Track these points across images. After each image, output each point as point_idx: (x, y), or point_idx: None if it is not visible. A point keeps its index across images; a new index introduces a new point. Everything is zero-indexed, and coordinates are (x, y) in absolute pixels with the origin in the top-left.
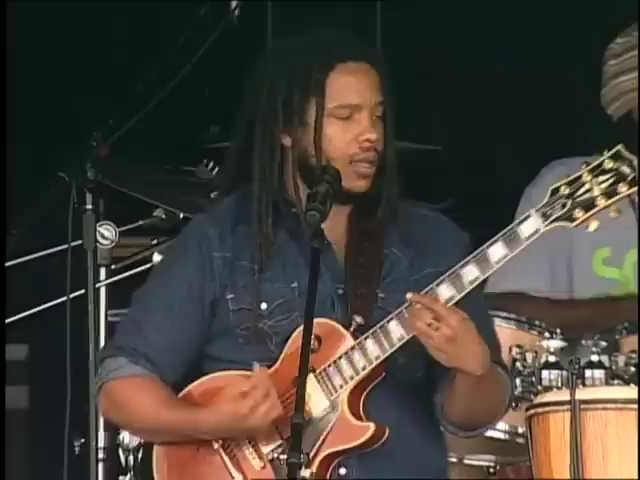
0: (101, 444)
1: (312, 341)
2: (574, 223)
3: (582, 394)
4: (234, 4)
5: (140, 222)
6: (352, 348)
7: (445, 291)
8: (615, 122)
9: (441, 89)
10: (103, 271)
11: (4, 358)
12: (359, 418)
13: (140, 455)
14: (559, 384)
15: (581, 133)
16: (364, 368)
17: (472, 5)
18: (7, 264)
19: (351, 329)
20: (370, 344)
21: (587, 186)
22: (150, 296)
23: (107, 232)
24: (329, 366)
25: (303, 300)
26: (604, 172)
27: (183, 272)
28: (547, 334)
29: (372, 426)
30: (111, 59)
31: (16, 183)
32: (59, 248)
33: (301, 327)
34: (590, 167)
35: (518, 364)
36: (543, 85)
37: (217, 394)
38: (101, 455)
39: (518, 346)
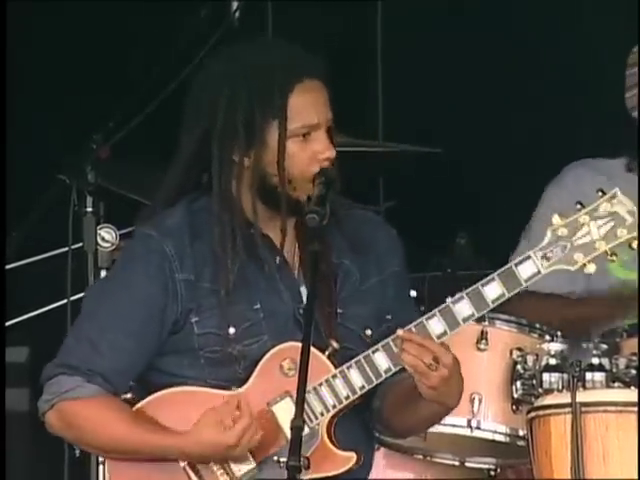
0: None
1: (289, 364)
2: (574, 267)
3: (583, 397)
4: (234, 5)
5: None
6: (334, 376)
7: (437, 326)
8: None
9: (441, 90)
10: (103, 274)
11: (4, 360)
12: (336, 446)
13: None
14: (560, 387)
15: (587, 134)
16: (347, 397)
17: (473, 5)
18: (8, 267)
19: (326, 353)
20: (354, 374)
21: (585, 229)
22: (108, 314)
23: (107, 235)
24: (308, 392)
25: (268, 322)
26: (602, 215)
27: (144, 292)
28: (548, 337)
29: (354, 456)
30: (111, 60)
31: (16, 185)
32: (59, 251)
33: (272, 351)
34: (587, 210)
35: (519, 367)
36: (544, 86)
37: (187, 413)
38: (101, 458)
39: (519, 349)
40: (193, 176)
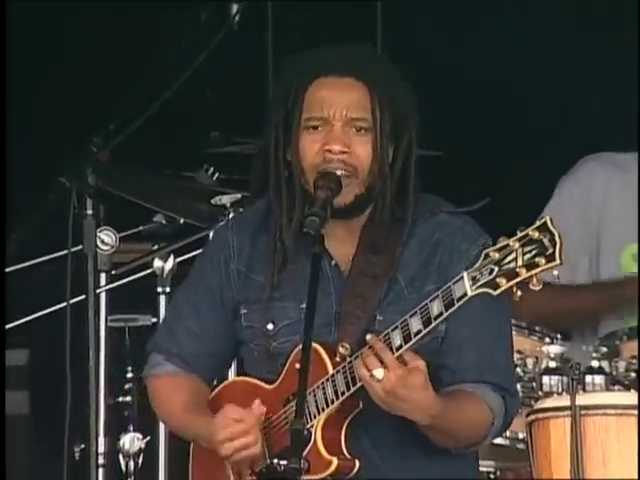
0: (101, 449)
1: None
2: (497, 291)
3: (582, 400)
4: (235, 8)
5: (140, 227)
6: (327, 380)
7: (396, 338)
8: None
9: (442, 89)
10: (103, 276)
11: (4, 363)
12: (334, 449)
13: (140, 460)
14: (559, 390)
15: (593, 131)
16: (332, 402)
17: (473, 4)
18: (8, 269)
19: (336, 358)
20: (340, 379)
21: (513, 255)
22: (182, 299)
23: (107, 237)
24: (309, 394)
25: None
26: (530, 242)
27: (207, 280)
28: (547, 339)
29: (335, 461)
30: (112, 63)
31: (16, 188)
32: (59, 253)
33: (296, 349)
34: (518, 236)
35: (519, 370)
36: (545, 86)
37: (239, 402)
38: (101, 460)
39: (518, 352)
40: (268, 175)
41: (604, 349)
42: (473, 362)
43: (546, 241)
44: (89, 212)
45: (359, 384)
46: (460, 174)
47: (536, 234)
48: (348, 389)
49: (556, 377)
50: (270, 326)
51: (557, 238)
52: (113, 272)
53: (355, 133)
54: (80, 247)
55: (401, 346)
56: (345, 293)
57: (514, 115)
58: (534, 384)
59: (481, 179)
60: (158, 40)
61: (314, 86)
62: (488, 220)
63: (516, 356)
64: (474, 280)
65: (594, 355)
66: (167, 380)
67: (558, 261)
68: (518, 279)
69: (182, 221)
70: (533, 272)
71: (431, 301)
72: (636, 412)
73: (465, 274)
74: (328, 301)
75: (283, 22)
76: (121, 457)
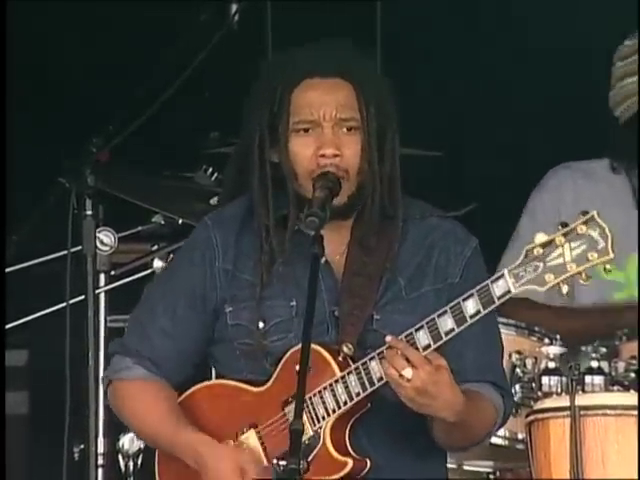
0: (100, 450)
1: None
2: (544, 287)
3: (582, 400)
4: (234, 8)
5: (139, 228)
6: (336, 381)
7: (423, 338)
8: (623, 124)
9: (442, 90)
10: (102, 277)
11: (4, 364)
12: (342, 450)
13: (140, 461)
14: (559, 390)
15: (592, 134)
16: (345, 403)
17: (472, 4)
18: (7, 270)
19: (339, 358)
20: (353, 379)
21: (559, 250)
22: (156, 299)
23: (106, 238)
24: (314, 395)
25: (300, 320)
26: (577, 237)
27: (187, 279)
28: (547, 340)
29: (350, 462)
30: (111, 64)
31: (16, 188)
32: (59, 254)
33: (293, 349)
34: (564, 231)
35: (518, 370)
36: (547, 84)
37: (220, 406)
38: (100, 461)
39: (518, 352)
40: (245, 175)
41: (603, 350)
42: (472, 362)
43: (596, 235)
44: (88, 213)
45: (378, 384)
46: (459, 173)
47: (584, 228)
48: (364, 390)
49: (555, 377)
50: (261, 324)
51: (608, 232)
52: (112, 272)
53: (345, 133)
54: (79, 248)
55: (429, 345)
56: (342, 293)
57: (514, 114)
58: (533, 384)
59: (480, 179)
60: (158, 40)
61: (300, 88)
62: (488, 221)
63: (515, 356)
64: (517, 277)
65: (593, 356)
66: (138, 385)
67: (612, 255)
68: (567, 274)
69: (181, 221)
70: (584, 267)
71: (464, 300)
72: (636, 412)
73: (506, 271)
74: (320, 299)
75: (283, 22)
76: (120, 457)
